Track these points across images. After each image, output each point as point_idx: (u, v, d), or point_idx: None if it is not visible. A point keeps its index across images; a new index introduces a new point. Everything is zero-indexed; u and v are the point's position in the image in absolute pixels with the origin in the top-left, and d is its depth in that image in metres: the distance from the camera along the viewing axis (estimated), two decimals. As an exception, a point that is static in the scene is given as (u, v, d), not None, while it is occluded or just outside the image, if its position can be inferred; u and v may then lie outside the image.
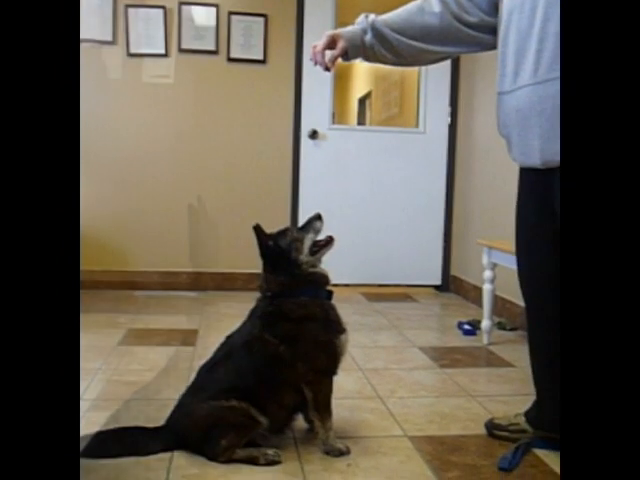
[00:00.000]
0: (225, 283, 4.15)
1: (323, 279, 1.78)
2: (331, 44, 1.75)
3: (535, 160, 1.58)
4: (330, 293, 1.78)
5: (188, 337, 2.94)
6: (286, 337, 1.69)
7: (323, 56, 1.74)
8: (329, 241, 1.78)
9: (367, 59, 1.80)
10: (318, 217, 1.80)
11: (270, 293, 1.76)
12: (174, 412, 1.75)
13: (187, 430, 1.69)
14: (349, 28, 1.77)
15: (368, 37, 1.74)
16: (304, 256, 1.74)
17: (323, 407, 1.73)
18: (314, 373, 1.71)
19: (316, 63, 1.75)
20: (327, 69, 1.76)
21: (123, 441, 1.67)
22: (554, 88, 1.47)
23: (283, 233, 1.77)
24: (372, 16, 1.76)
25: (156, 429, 1.73)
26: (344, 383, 2.28)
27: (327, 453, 1.73)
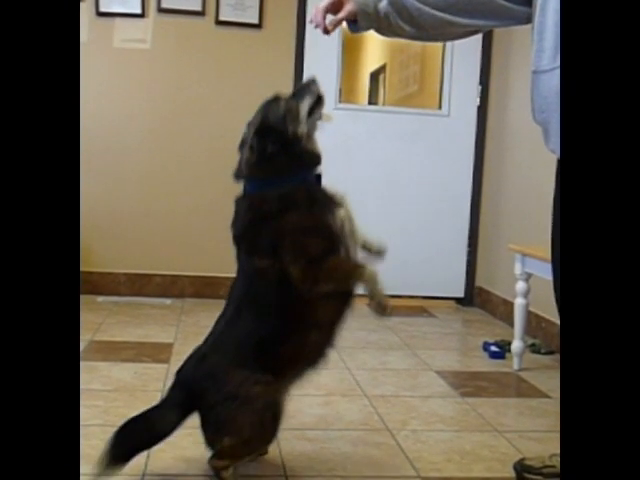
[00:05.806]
0: (206, 289, 4.15)
1: (316, 159, 1.84)
2: (337, 6, 1.75)
3: (579, 152, 1.59)
4: (319, 177, 1.82)
5: (161, 352, 2.95)
6: (269, 248, 1.74)
7: (324, 16, 1.75)
8: (318, 100, 1.83)
9: (380, 31, 1.80)
10: (313, 82, 1.84)
11: (243, 178, 1.88)
12: (189, 367, 1.76)
13: (212, 396, 1.68)
14: None
15: (383, 4, 1.74)
16: (303, 125, 1.79)
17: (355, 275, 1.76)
18: (308, 262, 1.69)
19: (317, 25, 1.76)
20: (326, 32, 1.77)
21: (136, 432, 1.72)
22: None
23: (274, 102, 1.81)
24: None
25: (163, 402, 1.77)
26: (346, 412, 2.28)
27: None
